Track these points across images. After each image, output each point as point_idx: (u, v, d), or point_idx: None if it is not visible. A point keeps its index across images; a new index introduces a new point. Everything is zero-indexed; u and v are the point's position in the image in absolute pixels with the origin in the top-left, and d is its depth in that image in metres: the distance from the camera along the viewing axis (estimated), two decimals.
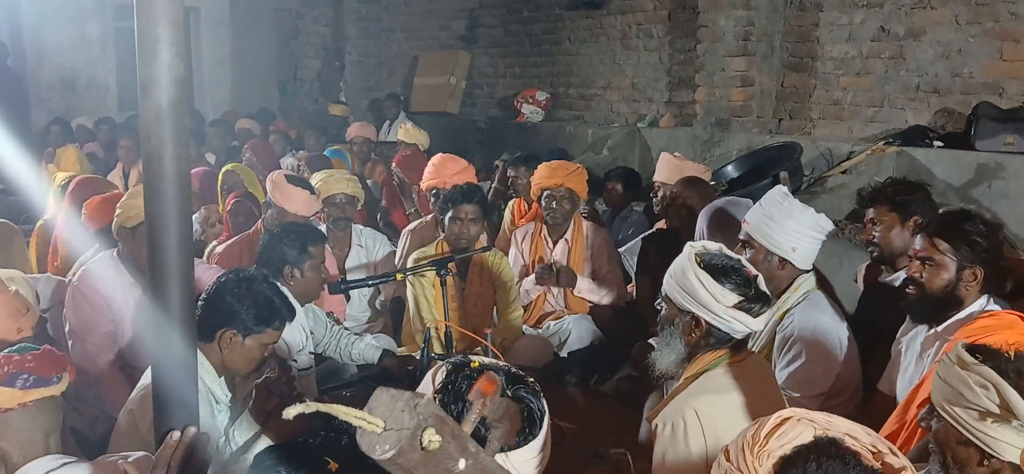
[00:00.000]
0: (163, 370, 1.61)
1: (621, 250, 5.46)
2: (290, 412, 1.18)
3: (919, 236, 3.00)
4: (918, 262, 2.94)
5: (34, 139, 9.31)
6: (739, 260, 2.58)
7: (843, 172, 5.80)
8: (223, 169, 6.55)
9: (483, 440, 1.59)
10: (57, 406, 2.24)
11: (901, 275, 3.48)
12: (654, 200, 5.53)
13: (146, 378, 2.90)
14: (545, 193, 5.06)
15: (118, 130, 9.43)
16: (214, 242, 5.31)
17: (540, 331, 4.95)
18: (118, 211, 3.89)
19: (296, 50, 12.70)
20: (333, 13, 12.18)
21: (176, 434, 1.62)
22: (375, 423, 1.18)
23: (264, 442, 2.91)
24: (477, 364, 1.68)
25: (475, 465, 1.24)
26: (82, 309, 3.85)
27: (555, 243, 5.13)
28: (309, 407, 1.16)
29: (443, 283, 4.01)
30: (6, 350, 2.24)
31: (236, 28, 12.94)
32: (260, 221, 5.08)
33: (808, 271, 3.45)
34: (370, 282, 4.38)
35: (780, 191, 3.53)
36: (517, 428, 1.66)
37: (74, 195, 4.83)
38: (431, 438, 1.17)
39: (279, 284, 3.52)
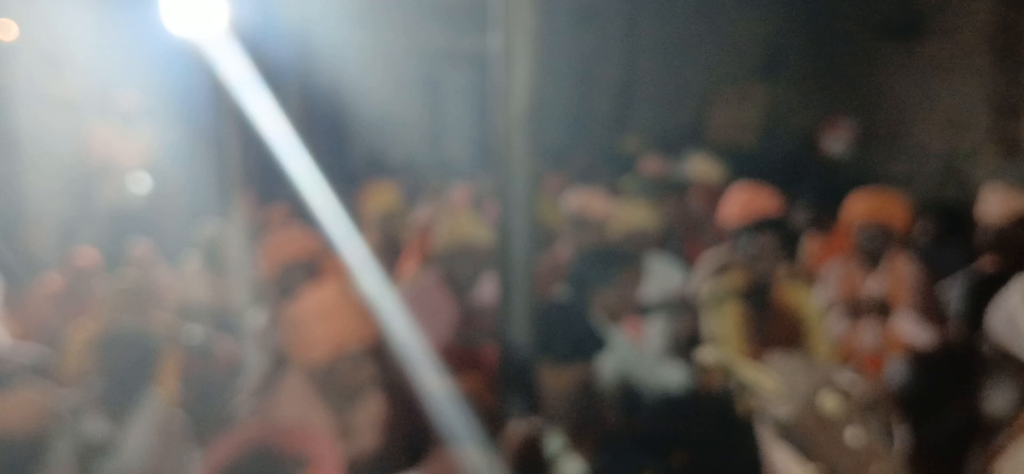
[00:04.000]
0: (509, 363, 1.72)
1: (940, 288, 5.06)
2: (707, 357, 1.24)
3: None
4: None
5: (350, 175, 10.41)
6: None
7: None
8: None
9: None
10: None
11: None
12: (978, 237, 5.07)
13: None
14: (859, 225, 4.81)
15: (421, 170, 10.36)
16: None
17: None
18: (439, 236, 4.25)
19: (589, 86, 13.05)
20: (627, 50, 12.39)
21: (519, 423, 1.72)
22: (772, 382, 1.20)
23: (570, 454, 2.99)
24: None
25: (861, 442, 1.22)
26: None
27: (868, 278, 4.86)
28: (719, 355, 1.21)
29: (743, 314, 3.92)
30: None
31: None
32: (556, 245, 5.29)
33: None
34: (668, 307, 4.39)
35: None
36: (887, 424, 1.60)
37: None
38: (827, 402, 1.16)
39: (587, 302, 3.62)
